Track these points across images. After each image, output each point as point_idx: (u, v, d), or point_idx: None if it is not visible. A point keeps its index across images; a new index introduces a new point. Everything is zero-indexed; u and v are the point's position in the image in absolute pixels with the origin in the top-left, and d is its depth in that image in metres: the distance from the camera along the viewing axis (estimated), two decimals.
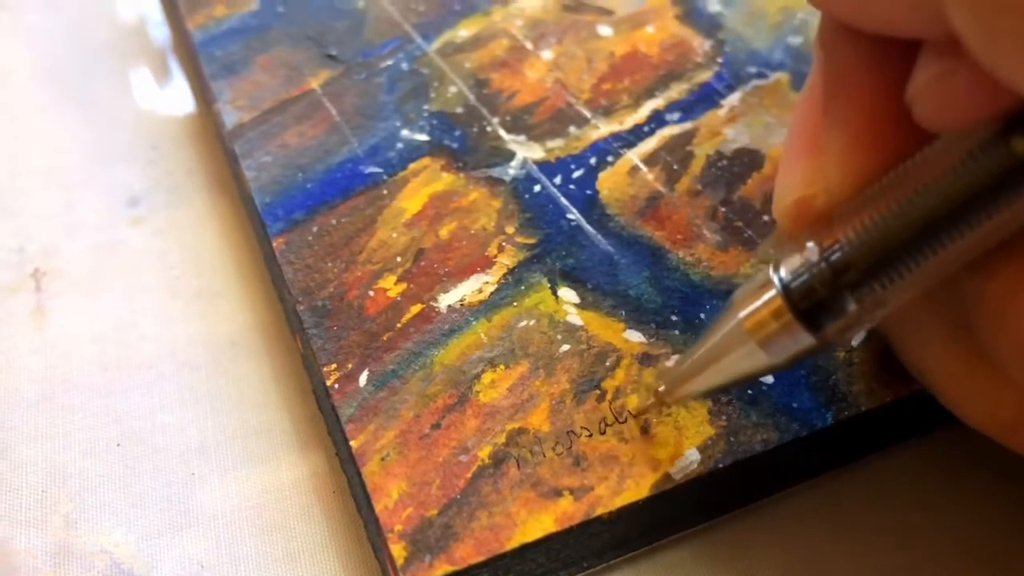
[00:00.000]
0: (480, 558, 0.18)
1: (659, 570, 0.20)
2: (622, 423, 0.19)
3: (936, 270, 0.15)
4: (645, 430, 0.19)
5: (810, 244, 0.16)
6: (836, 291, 0.15)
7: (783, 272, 0.16)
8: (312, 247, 0.22)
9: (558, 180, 0.23)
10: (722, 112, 0.25)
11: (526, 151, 0.24)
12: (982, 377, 0.17)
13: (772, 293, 0.16)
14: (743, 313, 0.16)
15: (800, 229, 0.17)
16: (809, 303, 0.16)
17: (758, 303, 0.16)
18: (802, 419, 0.19)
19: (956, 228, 0.14)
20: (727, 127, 0.25)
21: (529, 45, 0.27)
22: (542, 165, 0.24)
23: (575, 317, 0.21)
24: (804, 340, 0.16)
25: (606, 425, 0.19)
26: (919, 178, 0.15)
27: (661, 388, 0.19)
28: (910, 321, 0.18)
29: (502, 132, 0.25)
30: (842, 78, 0.17)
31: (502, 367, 0.20)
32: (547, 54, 0.26)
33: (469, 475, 0.19)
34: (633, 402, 0.20)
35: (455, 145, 0.24)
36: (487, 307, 0.21)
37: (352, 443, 0.19)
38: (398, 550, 0.18)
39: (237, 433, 0.22)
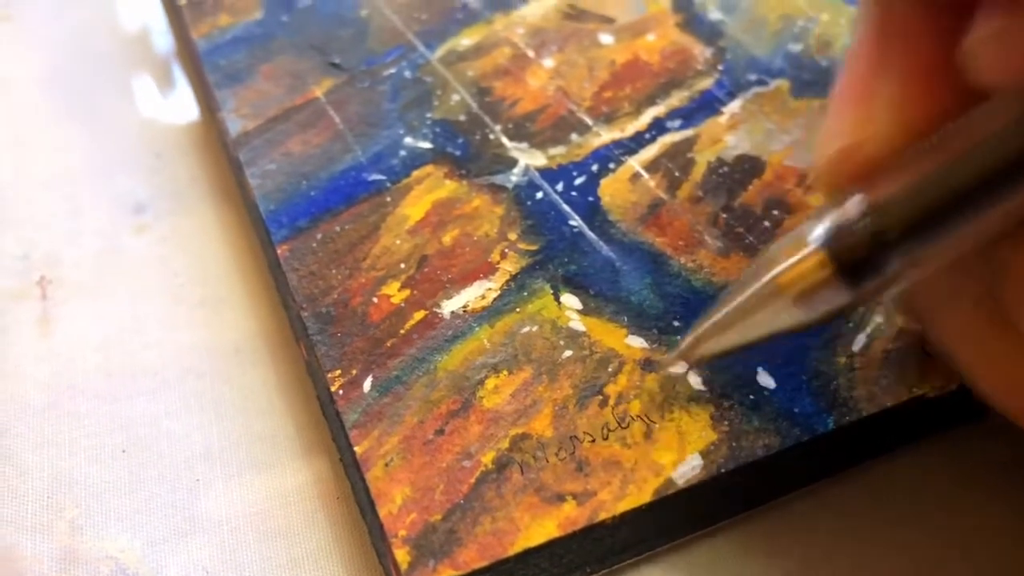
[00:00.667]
0: (484, 563, 0.18)
1: (662, 575, 0.20)
2: (625, 428, 0.19)
3: (978, 232, 0.15)
4: (648, 434, 0.19)
5: (854, 200, 0.15)
6: (879, 248, 0.15)
7: (821, 228, 0.16)
8: (316, 254, 0.22)
9: (560, 187, 0.24)
10: (723, 119, 0.25)
11: (528, 158, 0.24)
12: (1006, 347, 0.16)
13: (813, 247, 0.16)
14: (780, 268, 0.16)
15: (841, 181, 0.16)
16: (850, 259, 0.15)
17: (798, 256, 0.16)
18: (804, 424, 0.19)
19: (1002, 191, 0.14)
20: (728, 134, 0.25)
21: (531, 53, 0.27)
22: (544, 172, 0.24)
23: (577, 323, 0.21)
24: (842, 296, 0.16)
25: (609, 430, 0.19)
26: (967, 138, 0.14)
27: (684, 343, 0.18)
28: (939, 287, 0.17)
29: (504, 140, 0.25)
30: (896, 26, 0.16)
31: (505, 373, 0.20)
32: (549, 62, 0.27)
33: (473, 480, 0.19)
34: (636, 408, 0.20)
35: (458, 152, 0.24)
36: (490, 313, 0.21)
37: (356, 449, 0.19)
38: (402, 555, 0.18)
39: (241, 439, 0.22)
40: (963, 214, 0.14)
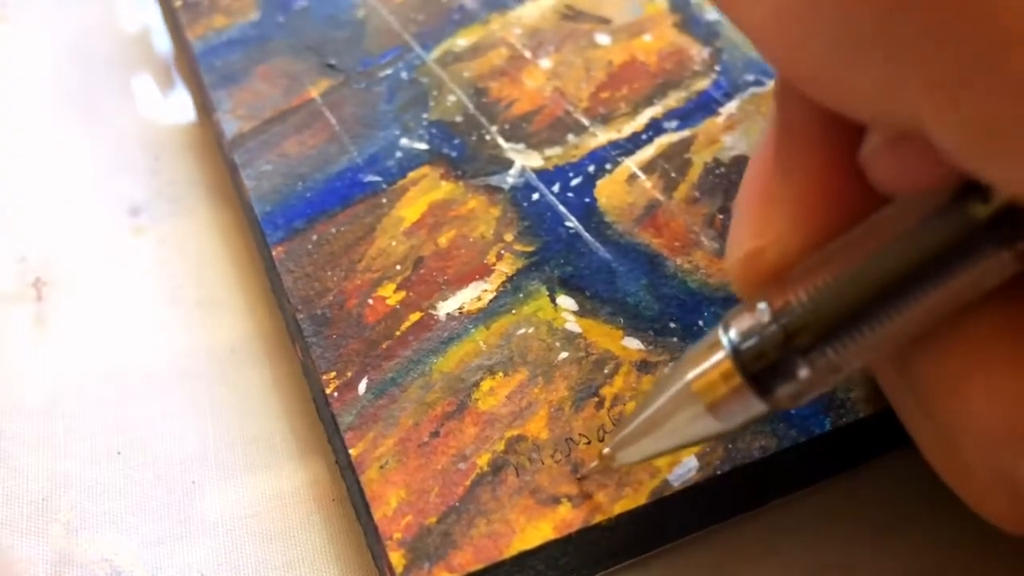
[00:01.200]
0: (479, 566, 0.18)
1: None
2: None
3: (892, 336, 0.14)
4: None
5: (761, 305, 0.15)
6: (788, 354, 0.15)
7: (733, 333, 0.15)
8: (312, 256, 0.22)
9: (556, 188, 0.24)
10: (720, 120, 0.25)
11: (524, 159, 0.24)
12: (949, 453, 0.16)
13: (721, 355, 0.15)
14: (691, 375, 0.16)
15: (750, 286, 0.16)
16: (759, 366, 0.15)
17: (707, 364, 0.15)
18: (800, 425, 0.19)
19: (910, 295, 0.14)
20: (725, 135, 0.25)
21: (527, 54, 0.27)
22: (540, 173, 0.24)
23: (573, 325, 0.21)
24: (754, 405, 0.15)
25: (605, 432, 0.19)
26: (874, 241, 0.14)
27: (606, 451, 0.18)
28: (885, 385, 0.17)
29: (501, 140, 0.25)
30: (794, 133, 0.16)
31: (501, 375, 0.20)
32: (545, 63, 0.27)
33: (468, 483, 0.19)
34: (632, 409, 0.20)
35: (454, 154, 0.24)
36: (486, 315, 0.21)
37: (351, 451, 0.19)
38: (397, 558, 0.18)
39: (237, 441, 0.22)
40: (873, 318, 0.14)
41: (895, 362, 0.16)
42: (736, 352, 0.15)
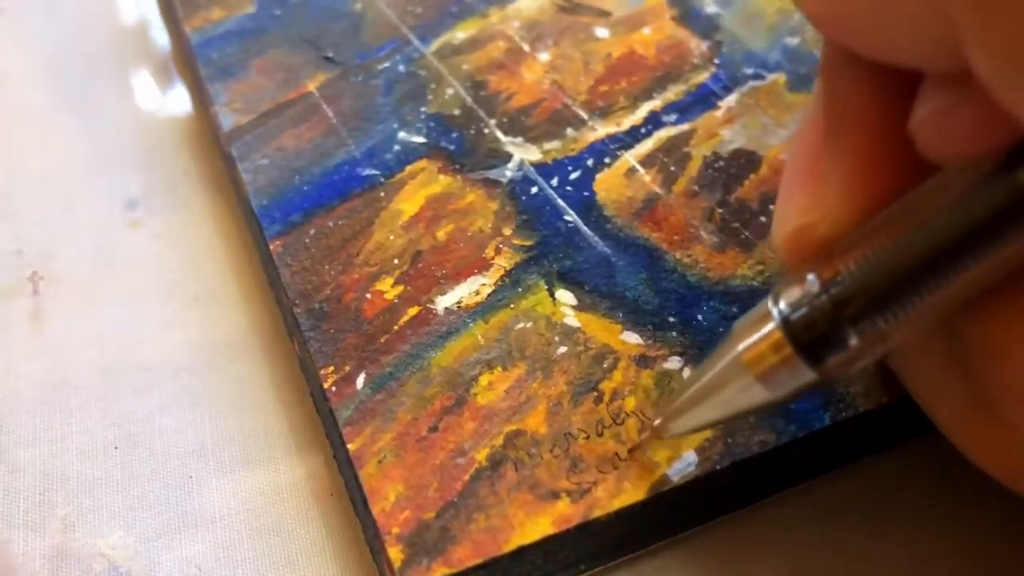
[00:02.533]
0: (478, 560, 0.18)
1: (657, 572, 0.20)
2: (619, 425, 0.19)
3: (940, 304, 0.15)
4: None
5: (810, 276, 0.15)
6: (837, 324, 0.15)
7: (783, 304, 0.16)
8: (309, 250, 0.22)
9: (555, 182, 0.24)
10: (719, 113, 0.25)
11: (523, 153, 0.24)
12: (984, 422, 0.16)
13: (771, 326, 0.16)
14: (742, 346, 0.16)
15: (798, 259, 0.16)
16: (810, 336, 0.15)
17: (757, 336, 0.16)
18: (800, 420, 0.19)
19: (959, 262, 0.14)
20: (724, 128, 0.25)
21: (526, 47, 0.27)
22: (539, 167, 0.24)
23: (572, 319, 0.21)
24: (804, 374, 0.15)
25: (604, 427, 0.19)
26: (922, 210, 0.14)
27: (657, 423, 0.18)
28: (914, 359, 0.17)
29: (499, 134, 0.25)
30: (843, 107, 0.16)
31: (499, 369, 0.20)
32: (544, 56, 0.27)
33: (466, 477, 0.19)
34: (631, 404, 0.20)
35: (452, 147, 0.24)
36: (484, 309, 0.21)
37: (349, 446, 0.19)
38: (395, 552, 0.18)
39: (235, 436, 0.22)
40: (921, 286, 0.14)
41: (939, 330, 0.16)
42: (786, 323, 0.15)
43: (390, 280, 0.22)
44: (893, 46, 0.14)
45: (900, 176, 0.15)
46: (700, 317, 0.21)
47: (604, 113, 0.25)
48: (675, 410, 0.18)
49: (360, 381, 0.20)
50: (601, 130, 0.25)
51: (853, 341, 0.15)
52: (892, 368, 0.19)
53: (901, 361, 0.18)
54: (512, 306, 0.21)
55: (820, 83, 0.17)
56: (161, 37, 0.30)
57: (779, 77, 0.26)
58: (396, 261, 0.22)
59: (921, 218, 0.14)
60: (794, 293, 0.15)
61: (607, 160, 0.24)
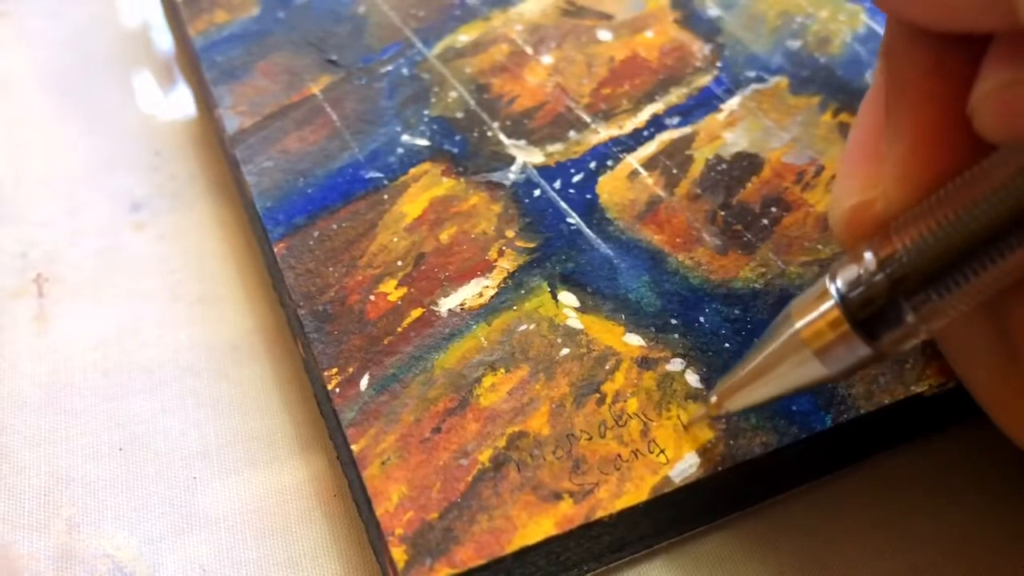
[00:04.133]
0: (480, 561, 0.18)
1: (659, 573, 0.20)
2: (622, 426, 0.19)
3: (994, 282, 0.15)
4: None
5: (867, 254, 0.16)
6: (893, 301, 0.15)
7: (840, 282, 0.16)
8: (313, 252, 0.22)
9: (558, 184, 0.24)
10: (721, 116, 0.25)
11: (526, 156, 0.24)
12: (1020, 390, 0.17)
13: (830, 304, 0.16)
14: (800, 323, 0.16)
15: (855, 237, 0.17)
16: (867, 313, 0.16)
17: (815, 314, 0.16)
18: (801, 422, 0.19)
19: (1015, 239, 0.14)
20: (726, 131, 0.25)
21: (529, 50, 0.27)
22: (542, 169, 0.24)
23: (575, 321, 0.21)
24: (861, 350, 0.16)
25: (606, 428, 0.19)
26: (979, 189, 0.15)
27: (713, 399, 0.18)
28: (959, 335, 0.18)
29: (502, 137, 0.25)
30: (904, 86, 0.17)
31: (502, 371, 0.20)
32: (547, 59, 0.27)
33: (469, 479, 0.19)
34: (633, 405, 0.20)
35: (455, 150, 0.24)
36: (487, 311, 0.21)
37: (353, 447, 0.19)
38: (399, 553, 0.18)
39: (239, 437, 0.22)
40: (977, 263, 0.15)
41: (984, 307, 0.16)
42: (844, 301, 0.16)
43: (393, 282, 0.22)
44: (959, 7, 0.14)
45: (958, 156, 0.16)
46: (702, 319, 0.21)
47: (607, 116, 0.25)
48: (731, 387, 0.18)
49: (364, 383, 0.20)
50: (604, 133, 0.25)
51: (909, 318, 0.15)
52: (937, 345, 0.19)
53: (946, 337, 0.19)
54: (515, 308, 0.21)
55: (880, 64, 0.17)
56: (165, 40, 0.31)
57: (781, 80, 0.26)
58: (399, 263, 0.22)
59: (977, 197, 0.15)
60: (851, 271, 0.16)
61: (610, 163, 0.24)
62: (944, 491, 0.21)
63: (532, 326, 0.21)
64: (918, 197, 0.16)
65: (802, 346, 0.16)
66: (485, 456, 0.19)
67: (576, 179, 0.24)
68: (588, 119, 0.25)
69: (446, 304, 0.21)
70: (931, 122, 0.16)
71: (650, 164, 0.24)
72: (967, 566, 0.20)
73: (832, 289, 0.16)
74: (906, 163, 0.16)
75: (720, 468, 0.19)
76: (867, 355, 0.16)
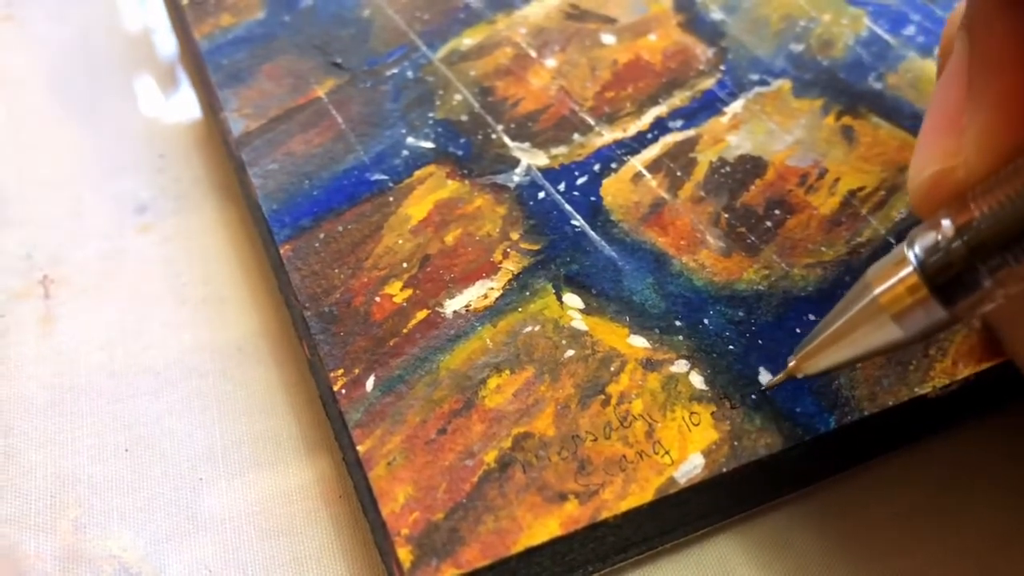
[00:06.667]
0: (486, 562, 0.18)
1: (664, 574, 0.20)
2: (627, 428, 0.19)
3: None
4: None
5: (946, 221, 0.16)
6: (971, 267, 0.16)
7: (918, 249, 0.17)
8: (319, 253, 0.22)
9: (562, 187, 0.24)
10: (725, 119, 0.25)
11: (530, 158, 0.24)
12: None
13: (908, 270, 0.17)
14: (879, 289, 0.17)
15: (934, 205, 0.17)
16: (944, 278, 0.16)
17: (894, 280, 0.17)
18: (805, 424, 0.19)
19: None
20: (730, 134, 0.25)
21: (533, 53, 0.27)
22: (546, 172, 0.24)
23: (580, 322, 0.21)
24: (938, 314, 0.17)
25: (611, 430, 0.19)
26: None
27: (792, 362, 0.19)
28: (1015, 302, 0.18)
29: (507, 139, 0.25)
30: (987, 57, 0.17)
31: (507, 372, 0.20)
32: (551, 62, 0.27)
33: (475, 479, 0.19)
34: (638, 407, 0.20)
35: (460, 152, 0.24)
36: (492, 313, 0.21)
37: (359, 448, 0.19)
38: (405, 554, 0.18)
39: (244, 438, 0.22)
40: None
41: None
42: (922, 266, 0.16)
43: (399, 284, 0.22)
44: None
45: None
46: (706, 321, 0.21)
47: (611, 119, 0.25)
48: (811, 351, 0.19)
49: (369, 384, 0.20)
50: (608, 135, 0.25)
51: (986, 283, 0.16)
52: (990, 323, 0.20)
53: (1003, 317, 0.19)
54: (520, 310, 0.21)
55: (962, 36, 0.18)
56: (170, 43, 0.31)
57: (784, 83, 0.26)
58: (405, 265, 0.22)
59: None
60: (929, 238, 0.16)
61: (614, 165, 0.24)
62: (949, 492, 0.21)
63: (537, 328, 0.21)
64: (999, 165, 0.16)
65: (880, 311, 0.17)
66: (491, 457, 0.19)
67: (580, 181, 0.24)
68: (592, 122, 0.25)
69: (451, 306, 0.21)
70: (1013, 92, 0.16)
71: (654, 167, 0.24)
72: (974, 566, 0.20)
73: (911, 255, 0.17)
74: (988, 132, 0.17)
75: (725, 469, 0.19)
76: (943, 319, 0.17)
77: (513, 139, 0.25)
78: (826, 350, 0.18)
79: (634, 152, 0.24)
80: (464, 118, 0.25)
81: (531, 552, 0.18)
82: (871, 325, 0.17)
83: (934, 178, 0.17)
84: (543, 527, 0.18)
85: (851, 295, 0.18)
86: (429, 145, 0.25)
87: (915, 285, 0.17)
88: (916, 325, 0.17)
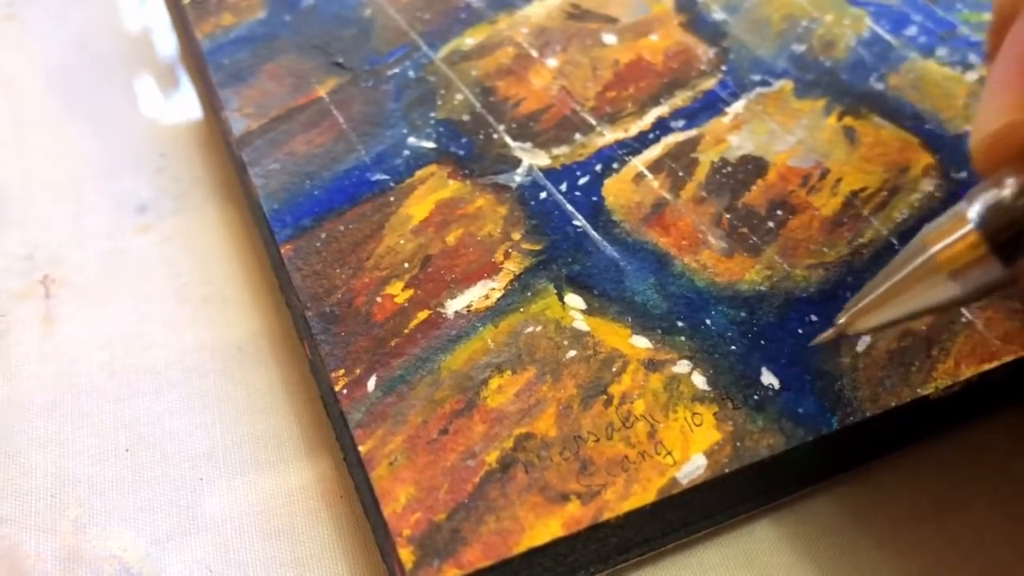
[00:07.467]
0: (488, 562, 0.18)
1: (666, 574, 0.20)
2: (629, 428, 0.19)
3: None
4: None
5: (1009, 179, 0.16)
6: None
7: (979, 206, 0.16)
8: (320, 253, 0.22)
9: (564, 187, 0.24)
10: (726, 119, 0.25)
11: (532, 158, 0.24)
12: None
13: (968, 227, 0.16)
14: (938, 246, 0.17)
15: (997, 162, 0.17)
16: (1005, 236, 0.16)
17: (953, 237, 0.17)
18: (808, 424, 0.19)
19: None
20: (731, 134, 0.25)
21: (534, 53, 0.27)
22: (548, 172, 0.24)
23: (581, 323, 0.21)
24: (997, 272, 0.16)
25: (613, 430, 0.19)
26: None
27: (842, 320, 0.19)
28: None
29: (508, 139, 0.25)
30: None
31: (509, 373, 0.20)
32: (552, 62, 0.27)
33: (477, 480, 0.19)
34: (640, 407, 0.20)
35: (461, 152, 0.24)
36: (494, 313, 0.21)
37: (360, 448, 0.19)
38: (406, 554, 0.18)
39: (245, 438, 0.22)
40: None
41: None
42: (983, 223, 0.16)
43: (400, 284, 0.22)
44: None
45: None
46: (708, 321, 0.21)
47: (612, 119, 0.25)
48: (864, 308, 0.18)
49: (371, 384, 0.20)
50: (609, 136, 0.25)
51: None
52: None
53: None
54: (521, 310, 0.21)
55: None
56: (170, 42, 0.31)
57: (786, 83, 0.26)
58: (406, 265, 0.22)
59: None
60: (991, 195, 0.16)
61: (615, 165, 0.24)
62: (952, 492, 0.21)
63: (539, 328, 0.21)
64: None
65: (937, 268, 0.17)
66: (492, 457, 0.19)
67: (582, 181, 0.24)
68: (593, 122, 0.25)
69: (453, 306, 0.21)
70: None
71: (655, 167, 0.24)
72: (979, 568, 0.20)
73: (971, 213, 0.16)
74: None
75: (727, 470, 0.19)
76: (1001, 277, 0.17)
77: (514, 139, 0.25)
78: (880, 307, 0.18)
79: (636, 152, 0.24)
80: (465, 118, 0.25)
81: (533, 553, 0.18)
82: (927, 283, 0.17)
83: (999, 133, 0.17)
84: (545, 528, 0.18)
85: (904, 254, 0.18)
86: (430, 145, 0.25)
87: (975, 243, 0.16)
88: (973, 283, 0.17)
